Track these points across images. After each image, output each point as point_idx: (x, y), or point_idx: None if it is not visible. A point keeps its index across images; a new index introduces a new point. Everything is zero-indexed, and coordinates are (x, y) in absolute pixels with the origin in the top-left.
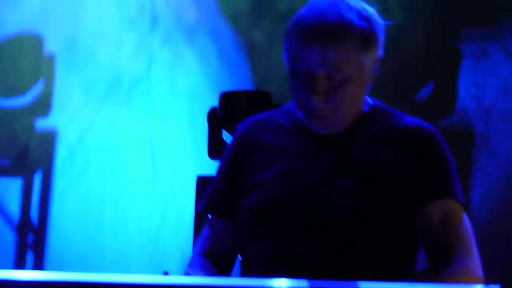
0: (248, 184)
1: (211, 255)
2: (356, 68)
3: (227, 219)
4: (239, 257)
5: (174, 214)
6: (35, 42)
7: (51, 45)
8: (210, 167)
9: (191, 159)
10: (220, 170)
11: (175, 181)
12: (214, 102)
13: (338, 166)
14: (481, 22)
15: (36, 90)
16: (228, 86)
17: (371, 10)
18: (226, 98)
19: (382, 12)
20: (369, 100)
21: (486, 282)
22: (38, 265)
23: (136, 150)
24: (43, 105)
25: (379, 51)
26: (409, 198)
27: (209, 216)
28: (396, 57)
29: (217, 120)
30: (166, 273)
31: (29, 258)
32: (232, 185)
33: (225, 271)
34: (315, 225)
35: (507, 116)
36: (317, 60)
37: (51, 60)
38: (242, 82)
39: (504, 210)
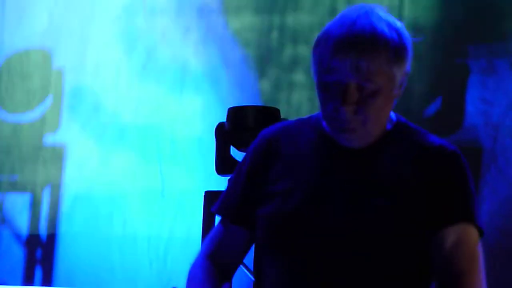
0: (267, 192)
1: (216, 257)
2: (386, 79)
3: (241, 225)
4: (252, 276)
5: (182, 229)
6: (44, 57)
7: (60, 60)
8: (218, 183)
9: (199, 175)
10: (239, 174)
11: (184, 197)
12: (222, 118)
13: (361, 183)
14: (489, 38)
15: (44, 106)
16: (235, 103)
17: (399, 23)
18: (234, 113)
19: None
20: (393, 115)
21: None
22: (47, 280)
23: (145, 165)
24: (52, 120)
25: (408, 65)
26: (429, 219)
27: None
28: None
29: (224, 135)
30: None
31: (38, 273)
32: (250, 191)
33: (227, 275)
34: (334, 242)
35: None
36: (348, 69)
37: (59, 75)
38: (250, 99)
39: None
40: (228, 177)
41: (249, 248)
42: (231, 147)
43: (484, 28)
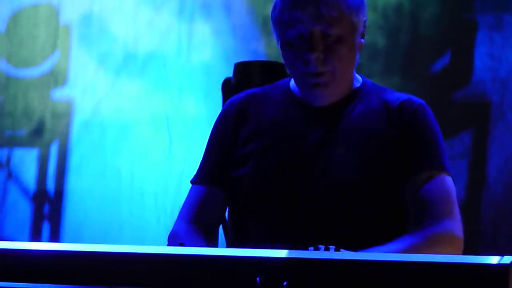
0: (239, 155)
1: (198, 220)
2: (348, 25)
3: (218, 186)
4: (232, 229)
5: (189, 185)
6: (51, 12)
7: (67, 16)
8: None
9: (206, 131)
10: (211, 142)
11: (191, 152)
12: (229, 74)
13: (332, 138)
14: None
15: (52, 61)
16: (242, 58)
17: None
18: (240, 68)
19: None
20: (359, 77)
21: (501, 252)
22: (55, 236)
23: (152, 122)
24: (59, 76)
25: (366, 15)
26: (398, 167)
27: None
28: (410, 30)
29: (231, 90)
30: (182, 244)
31: (46, 229)
32: (223, 155)
33: (212, 237)
34: (310, 195)
35: None
36: (310, 17)
37: (67, 30)
38: (256, 54)
39: None
40: None
41: (225, 208)
42: None
43: None
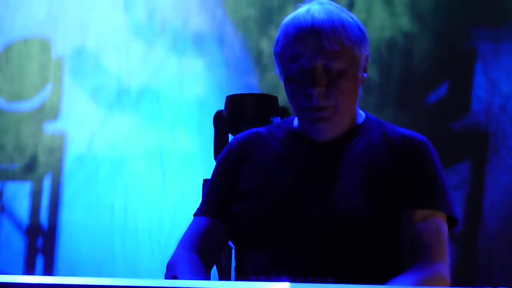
0: (241, 190)
1: (200, 251)
2: (350, 59)
3: (220, 219)
4: (233, 263)
5: (183, 219)
6: (42, 46)
7: (59, 49)
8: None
9: (199, 164)
10: (215, 177)
11: (184, 186)
12: (221, 106)
13: (333, 172)
14: (492, 23)
15: (44, 94)
16: (235, 91)
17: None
18: (232, 100)
19: (391, 16)
20: (362, 113)
21: (496, 284)
22: (48, 270)
23: (145, 154)
24: (51, 109)
25: (367, 49)
26: (397, 203)
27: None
28: (404, 63)
29: (223, 123)
30: (175, 277)
31: (39, 263)
32: (226, 190)
33: (210, 267)
34: (310, 229)
35: None
36: (312, 52)
37: (59, 63)
38: (249, 87)
39: None
40: None
41: (226, 241)
42: (230, 134)
43: (487, 12)
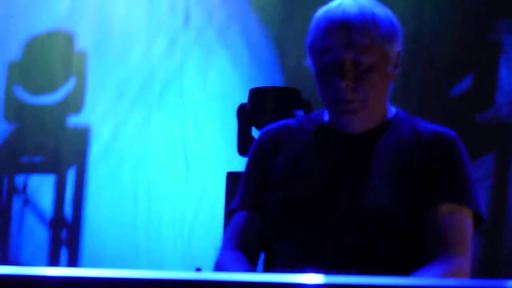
0: (272, 181)
1: (243, 246)
2: (379, 54)
3: (258, 213)
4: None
5: (206, 210)
6: (66, 39)
7: (83, 42)
8: (241, 164)
9: (223, 157)
10: (248, 170)
11: (207, 178)
12: (245, 100)
13: (364, 166)
14: None
15: (67, 88)
16: (259, 84)
17: (387, 9)
18: (255, 94)
19: (415, 8)
20: (393, 109)
21: None
22: (73, 262)
23: (169, 148)
24: (75, 102)
25: (400, 44)
26: (426, 197)
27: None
28: (432, 52)
29: (246, 116)
30: (199, 270)
31: (63, 255)
32: (259, 182)
33: (255, 261)
34: (339, 220)
35: None
36: (341, 45)
37: (83, 57)
38: (273, 80)
39: None
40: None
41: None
42: (253, 128)
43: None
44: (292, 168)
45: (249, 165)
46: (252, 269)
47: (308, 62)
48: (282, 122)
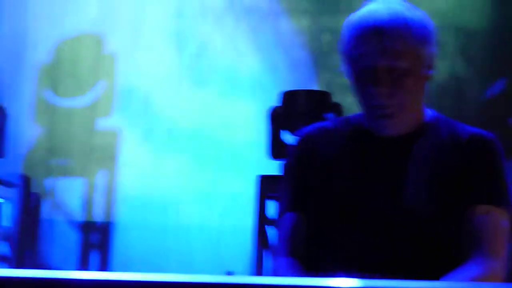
0: (311, 185)
1: (295, 250)
2: (414, 58)
3: (304, 212)
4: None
5: (236, 213)
6: (95, 42)
7: (112, 45)
8: (271, 167)
9: (253, 159)
10: (289, 173)
11: (237, 181)
12: (275, 102)
13: (402, 168)
14: None
15: (96, 91)
16: (291, 87)
17: (419, 11)
18: (286, 97)
19: (449, 12)
20: (430, 111)
21: None
22: (103, 265)
23: (198, 151)
24: (104, 105)
25: (434, 46)
26: (463, 199)
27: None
28: (466, 56)
29: (278, 118)
30: (229, 273)
31: (93, 259)
32: (301, 185)
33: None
34: (379, 223)
35: None
36: (375, 52)
37: (112, 60)
38: (305, 83)
39: None
40: (281, 162)
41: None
42: (284, 131)
43: None
44: (329, 172)
45: (289, 168)
46: (308, 270)
47: (343, 68)
48: (319, 124)
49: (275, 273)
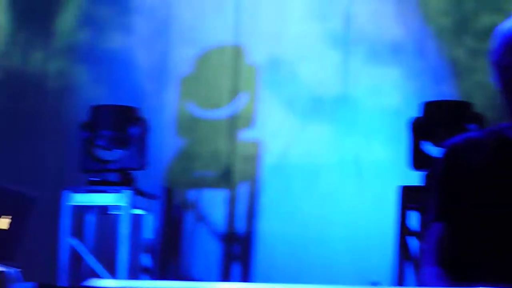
0: (459, 197)
1: (441, 259)
2: None
3: (451, 222)
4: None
5: (379, 227)
6: (236, 54)
7: (253, 57)
8: (412, 178)
9: (394, 172)
10: (438, 184)
11: (379, 192)
12: (416, 113)
13: None
14: None
15: (238, 102)
16: (432, 98)
17: None
18: (429, 107)
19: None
20: None
21: None
22: (245, 277)
23: (340, 164)
24: (245, 117)
25: None
26: None
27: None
28: None
29: (420, 129)
30: (375, 284)
31: (235, 270)
32: (449, 196)
33: (456, 275)
34: None
35: None
36: None
37: (253, 71)
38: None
39: None
40: (423, 172)
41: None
42: (425, 142)
43: None
44: (478, 182)
45: (438, 177)
46: (452, 283)
47: (493, 79)
48: (466, 135)
49: (423, 283)
